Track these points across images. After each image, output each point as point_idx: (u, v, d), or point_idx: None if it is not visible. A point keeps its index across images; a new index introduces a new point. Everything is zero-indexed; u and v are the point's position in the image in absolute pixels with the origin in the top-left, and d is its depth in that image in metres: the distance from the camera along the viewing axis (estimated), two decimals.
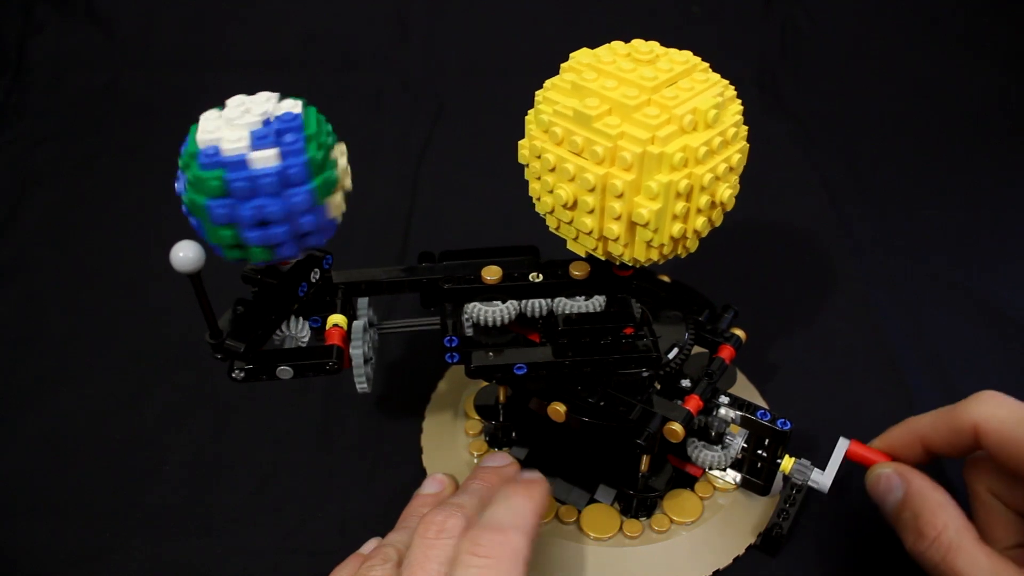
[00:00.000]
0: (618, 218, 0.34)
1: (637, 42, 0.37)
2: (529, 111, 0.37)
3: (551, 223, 0.38)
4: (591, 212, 0.35)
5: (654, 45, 0.36)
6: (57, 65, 0.85)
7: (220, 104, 0.33)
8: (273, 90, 0.35)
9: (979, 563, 0.33)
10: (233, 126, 0.31)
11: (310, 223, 0.33)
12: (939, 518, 0.35)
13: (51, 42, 0.86)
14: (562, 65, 0.37)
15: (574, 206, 0.35)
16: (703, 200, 0.35)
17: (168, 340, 0.56)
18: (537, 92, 0.37)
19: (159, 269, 0.61)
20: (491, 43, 0.88)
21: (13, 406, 0.51)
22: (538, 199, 0.37)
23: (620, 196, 0.33)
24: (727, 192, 0.35)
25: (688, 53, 0.36)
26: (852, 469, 0.42)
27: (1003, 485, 0.37)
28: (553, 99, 0.35)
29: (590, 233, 0.36)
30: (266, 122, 0.32)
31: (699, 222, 0.35)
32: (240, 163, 0.31)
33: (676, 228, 0.34)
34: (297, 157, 0.32)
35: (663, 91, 0.34)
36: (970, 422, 0.36)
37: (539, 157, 0.35)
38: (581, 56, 0.36)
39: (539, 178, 0.36)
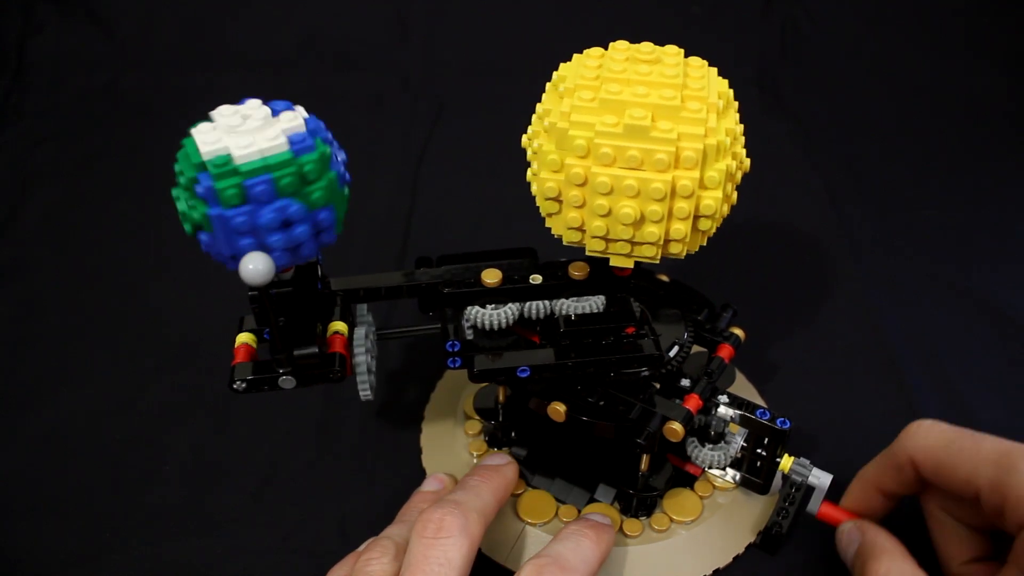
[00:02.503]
0: (685, 217, 0.34)
1: (622, 43, 0.36)
2: (538, 142, 0.35)
3: (595, 246, 0.36)
4: (658, 221, 0.34)
5: (622, 43, 0.36)
6: (57, 65, 0.85)
7: (206, 117, 0.32)
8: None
9: None
10: (238, 133, 0.31)
11: (327, 219, 0.33)
12: (882, 562, 0.36)
13: (51, 42, 0.86)
14: (565, 87, 0.35)
15: (640, 220, 0.34)
16: (739, 175, 0.36)
17: (168, 340, 0.56)
18: (553, 122, 0.34)
19: (159, 269, 0.62)
20: (491, 43, 0.88)
21: (13, 406, 0.51)
22: (577, 227, 0.35)
23: (690, 196, 0.33)
24: (747, 160, 0.37)
25: (650, 44, 0.37)
26: (852, 470, 0.42)
27: (952, 503, 0.38)
28: (585, 121, 0.33)
29: (655, 242, 0.35)
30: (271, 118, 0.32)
31: (735, 196, 0.36)
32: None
33: (725, 208, 0.35)
34: (310, 153, 0.32)
35: (688, 84, 0.34)
36: (906, 457, 0.37)
37: (582, 185, 0.34)
38: (581, 71, 0.35)
39: (581, 206, 0.35)
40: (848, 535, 0.40)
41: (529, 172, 0.37)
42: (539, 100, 0.37)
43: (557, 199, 0.35)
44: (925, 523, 0.40)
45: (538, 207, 0.37)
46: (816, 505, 0.41)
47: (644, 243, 0.35)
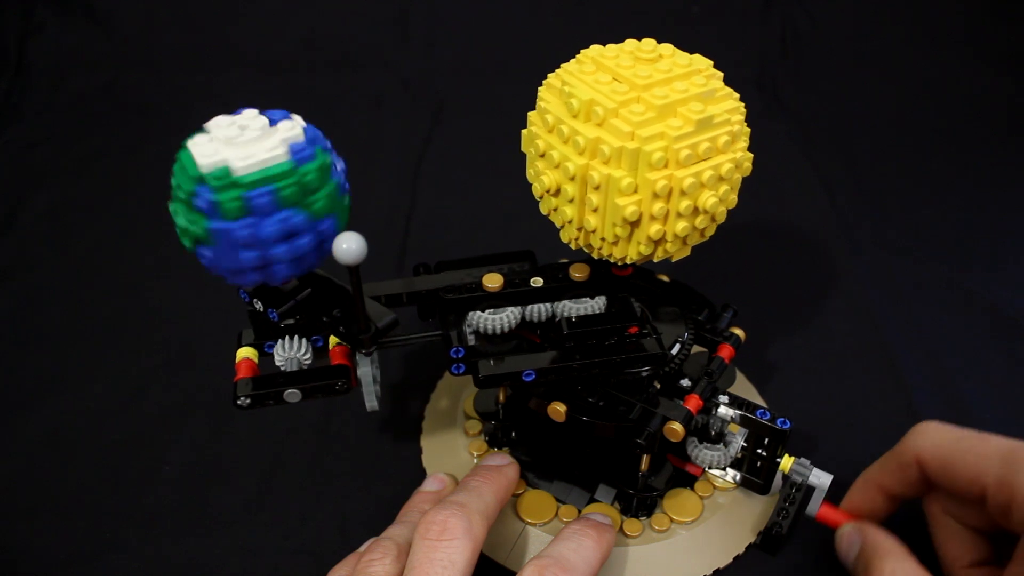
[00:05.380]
0: (736, 186, 0.36)
1: (614, 48, 0.36)
2: (600, 174, 0.33)
3: (672, 249, 0.36)
4: (725, 199, 0.36)
5: (610, 48, 0.37)
6: (57, 65, 0.85)
7: (201, 128, 0.32)
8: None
9: None
10: (236, 145, 0.31)
11: (330, 228, 0.33)
12: (887, 563, 0.36)
13: (51, 42, 0.86)
14: (605, 110, 0.33)
15: (718, 204, 0.35)
16: None
17: (168, 340, 0.56)
18: (621, 146, 0.33)
19: (159, 269, 0.62)
20: (491, 43, 0.88)
21: (13, 406, 0.51)
22: (658, 240, 0.35)
23: (741, 165, 0.35)
24: None
25: (626, 42, 0.38)
26: (851, 470, 0.42)
27: (955, 504, 0.38)
28: (654, 132, 0.33)
29: (720, 220, 0.36)
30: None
31: None
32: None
33: None
34: (310, 163, 0.31)
35: (700, 69, 0.36)
36: (912, 456, 0.38)
37: (667, 196, 0.34)
38: (605, 89, 0.34)
39: (665, 217, 0.34)
40: (848, 537, 0.39)
41: (570, 211, 0.36)
42: (535, 106, 0.37)
43: (636, 222, 0.35)
44: (927, 526, 0.40)
45: (578, 241, 0.37)
46: (816, 507, 0.41)
47: (710, 225, 0.36)
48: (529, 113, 0.37)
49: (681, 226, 0.35)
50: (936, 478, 0.37)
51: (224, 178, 0.30)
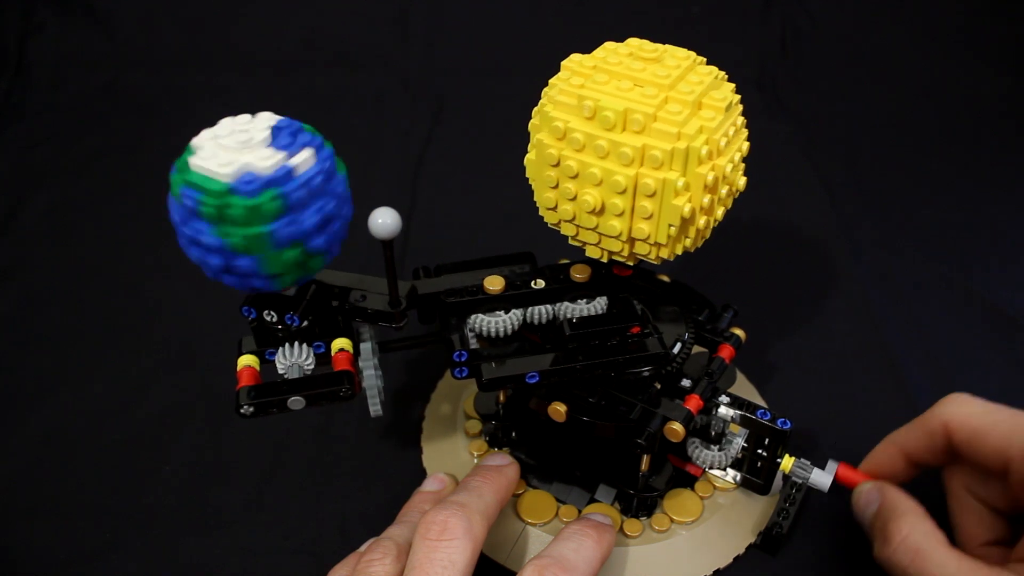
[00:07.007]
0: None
1: (611, 53, 0.36)
2: (655, 180, 0.33)
3: (706, 235, 0.37)
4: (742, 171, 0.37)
5: (602, 53, 0.37)
6: (57, 65, 0.85)
7: (189, 149, 0.32)
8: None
9: (948, 566, 0.34)
10: (249, 148, 0.31)
11: (349, 210, 0.34)
12: (905, 522, 0.36)
13: (51, 42, 0.86)
14: (643, 115, 0.33)
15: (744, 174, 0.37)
16: None
17: (168, 340, 0.56)
18: (674, 147, 0.33)
19: (159, 269, 0.62)
20: (491, 43, 0.88)
21: (13, 406, 0.51)
22: (704, 229, 0.36)
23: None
24: None
25: (612, 42, 0.38)
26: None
27: (977, 481, 0.38)
28: (698, 127, 0.33)
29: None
30: (274, 131, 0.32)
31: None
32: (287, 175, 0.31)
33: None
34: (323, 150, 0.32)
35: (696, 58, 0.37)
36: (940, 423, 0.38)
37: (713, 187, 0.34)
38: (635, 96, 0.34)
39: (710, 208, 0.35)
40: (867, 495, 0.39)
41: (619, 224, 0.35)
42: (537, 104, 0.37)
43: (691, 220, 0.35)
44: (945, 502, 0.40)
45: (621, 253, 0.37)
46: (824, 481, 0.41)
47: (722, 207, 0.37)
48: (538, 136, 0.36)
49: (721, 212, 0.36)
50: (962, 448, 0.37)
51: (253, 181, 0.30)
